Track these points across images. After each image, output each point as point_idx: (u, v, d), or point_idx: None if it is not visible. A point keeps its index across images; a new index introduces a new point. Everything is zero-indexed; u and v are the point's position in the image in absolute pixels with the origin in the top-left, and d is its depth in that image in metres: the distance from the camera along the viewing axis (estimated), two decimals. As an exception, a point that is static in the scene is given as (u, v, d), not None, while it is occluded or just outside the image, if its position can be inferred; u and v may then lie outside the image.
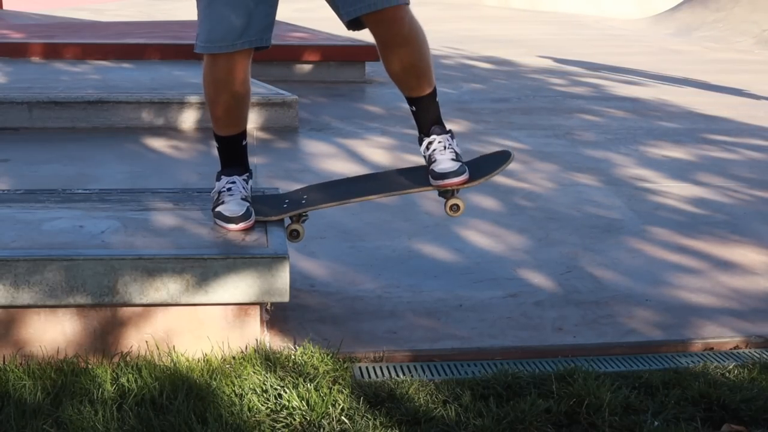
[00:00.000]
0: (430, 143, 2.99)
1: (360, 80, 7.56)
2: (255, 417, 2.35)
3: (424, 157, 3.03)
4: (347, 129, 5.76)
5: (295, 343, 2.80)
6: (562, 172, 4.80)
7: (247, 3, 2.79)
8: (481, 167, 3.02)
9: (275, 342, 2.81)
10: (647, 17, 15.05)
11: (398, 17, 2.83)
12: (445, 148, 2.97)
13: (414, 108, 3.01)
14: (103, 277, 2.61)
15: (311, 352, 2.67)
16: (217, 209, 2.92)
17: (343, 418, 2.35)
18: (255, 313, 2.73)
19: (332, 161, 4.96)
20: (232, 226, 2.87)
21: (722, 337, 2.94)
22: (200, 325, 2.70)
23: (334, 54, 7.60)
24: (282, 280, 2.67)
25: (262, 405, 2.40)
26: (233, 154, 3.01)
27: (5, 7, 12.84)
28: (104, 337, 2.68)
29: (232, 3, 2.78)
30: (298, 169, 4.77)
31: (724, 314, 3.10)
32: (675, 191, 4.49)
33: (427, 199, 4.27)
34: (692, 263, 3.55)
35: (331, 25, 11.70)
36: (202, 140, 5.35)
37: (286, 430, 2.32)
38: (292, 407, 2.38)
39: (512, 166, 4.84)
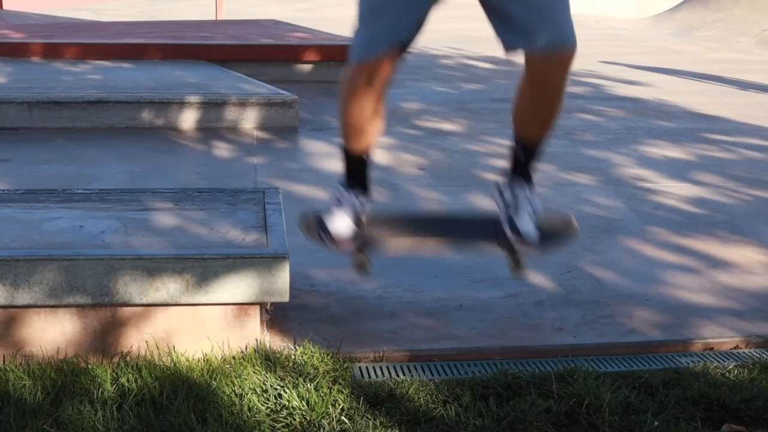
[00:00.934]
0: (519, 190, 2.73)
1: (360, 80, 7.55)
2: (255, 417, 2.35)
3: (502, 195, 2.78)
4: (347, 129, 5.75)
5: (295, 343, 2.80)
6: (562, 172, 4.80)
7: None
8: (546, 233, 2.74)
9: (275, 342, 2.81)
10: (647, 17, 15.05)
11: (565, 62, 2.64)
12: (530, 203, 2.72)
13: (520, 150, 2.76)
14: (103, 277, 2.61)
15: (311, 352, 2.67)
16: (323, 219, 2.73)
17: (343, 418, 2.35)
18: (255, 313, 2.73)
19: (332, 161, 4.95)
20: (331, 244, 2.70)
21: (722, 337, 2.94)
22: (200, 325, 2.70)
23: (334, 54, 7.59)
24: (282, 280, 2.67)
25: (262, 405, 2.40)
26: (359, 171, 2.79)
27: (5, 7, 12.84)
28: (104, 337, 2.68)
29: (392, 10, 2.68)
30: (298, 169, 4.77)
31: (723, 314, 3.10)
32: (675, 191, 4.49)
33: (427, 198, 4.27)
34: (692, 263, 3.55)
35: (331, 24, 11.72)
36: (202, 140, 5.35)
37: (286, 430, 2.32)
38: (292, 407, 2.38)
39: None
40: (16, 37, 7.96)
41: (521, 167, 2.73)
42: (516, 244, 2.66)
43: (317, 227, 2.71)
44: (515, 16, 2.56)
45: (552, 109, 2.69)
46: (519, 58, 2.63)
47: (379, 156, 5.07)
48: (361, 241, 2.73)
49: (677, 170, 4.89)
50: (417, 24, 2.67)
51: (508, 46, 2.63)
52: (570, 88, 7.97)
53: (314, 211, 2.83)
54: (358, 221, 2.73)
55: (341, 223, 2.69)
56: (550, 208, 3.00)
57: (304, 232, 2.78)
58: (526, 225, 2.66)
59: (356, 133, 2.77)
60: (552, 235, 2.74)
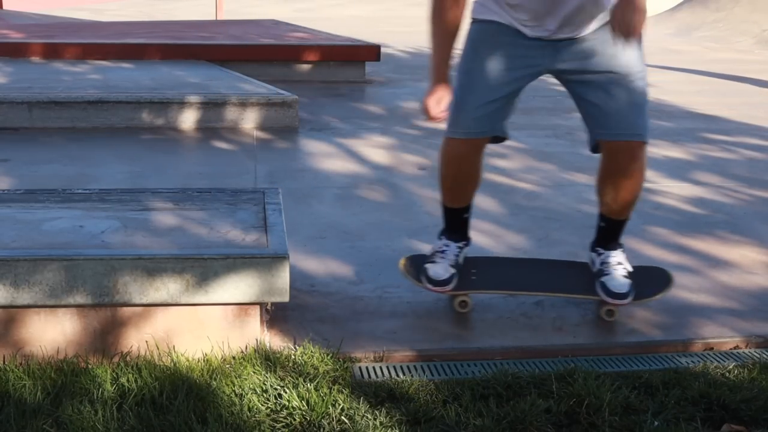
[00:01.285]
0: (607, 257, 3.10)
1: (360, 80, 7.57)
2: (255, 417, 2.35)
3: (593, 263, 3.15)
4: (347, 129, 5.76)
5: (295, 343, 2.80)
6: (563, 172, 4.80)
7: (492, 102, 3.01)
8: (643, 286, 3.08)
9: (275, 342, 2.81)
10: (647, 17, 15.03)
11: (636, 153, 2.93)
12: (619, 263, 3.08)
13: (605, 225, 3.13)
14: (103, 277, 2.61)
15: (311, 352, 2.68)
16: (426, 265, 3.09)
17: (343, 418, 2.35)
18: (255, 313, 2.73)
19: (332, 161, 4.96)
20: (429, 287, 3.05)
21: (722, 337, 2.94)
22: (200, 325, 2.70)
23: (334, 54, 7.61)
24: (282, 280, 2.67)
25: (262, 405, 2.40)
26: (455, 224, 3.15)
27: (5, 7, 12.85)
28: (104, 337, 2.68)
29: (480, 100, 3.00)
30: (298, 169, 4.77)
31: (724, 314, 3.10)
32: (674, 191, 4.49)
33: (427, 198, 4.28)
34: (692, 263, 3.55)
35: (331, 24, 11.72)
36: (202, 140, 5.35)
37: (286, 430, 2.32)
38: (292, 407, 2.38)
39: (513, 165, 4.89)
40: (16, 37, 7.96)
41: (605, 238, 3.12)
42: (612, 302, 3.01)
43: (416, 271, 3.10)
44: (600, 106, 2.95)
45: (626, 192, 3.03)
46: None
47: (379, 156, 5.09)
48: (460, 284, 3.06)
49: (677, 170, 4.89)
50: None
51: (593, 139, 3.03)
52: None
53: (417, 256, 3.22)
54: (457, 266, 3.10)
55: (441, 270, 3.05)
56: (647, 264, 3.32)
57: (404, 273, 3.15)
58: (617, 285, 3.02)
59: (457, 192, 3.11)
60: (648, 286, 3.09)
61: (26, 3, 13.41)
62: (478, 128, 2.95)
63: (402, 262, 3.20)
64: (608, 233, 3.12)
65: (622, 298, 3.01)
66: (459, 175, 3.04)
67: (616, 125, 2.89)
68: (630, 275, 3.06)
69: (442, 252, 3.12)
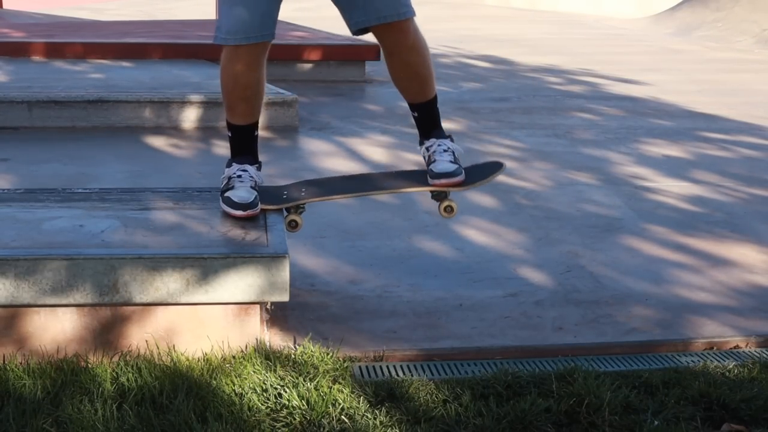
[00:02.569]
0: (430, 146, 3.13)
1: (360, 79, 7.56)
2: (255, 416, 2.35)
3: (424, 158, 3.17)
4: (347, 128, 5.76)
5: (295, 343, 2.80)
6: (562, 172, 4.80)
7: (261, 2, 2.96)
8: (474, 174, 3.14)
9: (275, 341, 2.81)
10: (647, 16, 15.05)
11: (404, 28, 2.99)
12: (444, 150, 3.10)
13: (416, 113, 3.17)
14: (103, 276, 2.61)
15: (311, 351, 2.67)
16: (226, 194, 3.01)
17: (343, 417, 2.35)
18: (255, 312, 2.73)
19: (332, 160, 4.96)
20: (239, 212, 2.96)
21: (722, 336, 2.94)
22: (200, 324, 2.70)
23: (334, 53, 7.60)
24: (282, 279, 2.67)
25: (262, 404, 2.40)
26: (246, 144, 3.10)
27: (5, 6, 12.85)
28: (104, 336, 2.68)
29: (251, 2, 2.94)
30: (298, 168, 4.77)
31: (724, 313, 3.10)
32: (674, 190, 4.49)
33: (428, 198, 4.27)
34: (692, 262, 3.55)
35: (331, 24, 11.70)
36: (203, 139, 5.35)
37: (286, 429, 2.32)
38: (292, 406, 2.38)
39: (512, 164, 4.89)
40: (16, 36, 7.96)
41: (424, 127, 3.15)
42: (435, 183, 3.05)
43: (223, 204, 3.00)
44: None
45: (417, 68, 3.05)
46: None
47: (379, 155, 5.09)
48: (294, 200, 3.04)
49: (677, 169, 4.89)
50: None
51: (354, 28, 3.01)
52: (570, 88, 8.03)
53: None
54: (254, 187, 3.03)
55: (245, 193, 2.98)
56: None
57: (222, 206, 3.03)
58: (443, 165, 3.06)
59: (244, 105, 3.07)
60: (479, 170, 3.14)
61: (26, 2, 13.40)
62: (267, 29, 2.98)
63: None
64: (425, 121, 3.15)
65: (448, 177, 3.01)
66: (246, 83, 3.03)
67: (383, 7, 2.94)
68: (457, 160, 3.09)
69: (240, 177, 3.02)
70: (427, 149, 3.14)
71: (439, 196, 3.13)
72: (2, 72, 6.43)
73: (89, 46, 7.29)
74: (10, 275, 2.59)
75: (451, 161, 3.07)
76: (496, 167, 3.20)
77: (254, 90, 3.07)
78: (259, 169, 3.12)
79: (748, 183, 4.63)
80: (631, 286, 3.29)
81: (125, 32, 8.29)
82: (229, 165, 3.10)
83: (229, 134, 3.14)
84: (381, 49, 3.09)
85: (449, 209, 3.08)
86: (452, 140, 3.16)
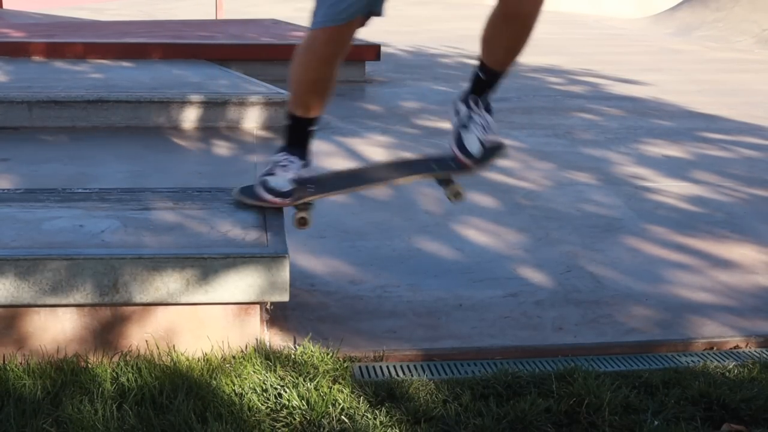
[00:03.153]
0: (475, 111, 2.98)
1: (360, 79, 7.56)
2: (255, 416, 2.35)
3: (458, 113, 3.01)
4: (347, 128, 5.76)
5: (295, 343, 2.80)
6: (562, 172, 4.80)
7: None
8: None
9: (275, 341, 2.81)
10: (647, 17, 15.05)
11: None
12: (482, 125, 2.96)
13: (486, 78, 2.97)
14: (103, 276, 2.61)
15: (311, 351, 2.68)
16: (265, 177, 2.99)
17: (342, 417, 2.35)
18: (255, 312, 2.73)
19: (332, 160, 4.95)
20: (269, 197, 2.97)
21: (722, 336, 2.94)
22: (200, 325, 2.70)
23: (334, 53, 7.59)
24: (282, 279, 2.67)
25: (262, 404, 2.40)
26: (303, 137, 3.02)
27: (5, 6, 12.85)
28: (104, 336, 2.68)
29: None
30: (298, 169, 4.76)
31: (724, 313, 3.10)
32: (675, 190, 4.49)
33: (427, 197, 4.27)
34: (692, 262, 3.55)
35: (331, 24, 11.47)
36: (203, 139, 5.35)
37: (286, 429, 2.32)
38: (292, 406, 2.38)
39: (512, 164, 4.88)
40: (16, 36, 7.96)
41: (481, 89, 2.96)
42: (458, 158, 2.92)
43: (251, 191, 2.99)
44: None
45: (522, 40, 2.84)
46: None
47: (379, 155, 5.09)
48: (301, 198, 2.99)
49: (677, 169, 4.89)
50: None
51: None
52: (570, 88, 8.02)
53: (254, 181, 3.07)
54: (297, 182, 2.98)
55: (282, 182, 2.95)
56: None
57: (239, 198, 3.04)
58: (473, 143, 2.92)
59: (317, 99, 2.94)
60: (487, 154, 3.00)
61: (26, 2, 13.40)
62: (358, 4, 2.78)
63: (236, 190, 3.10)
64: (487, 86, 2.97)
65: (469, 158, 2.92)
66: (330, 73, 2.89)
67: None
68: (486, 134, 2.97)
69: (284, 166, 2.97)
70: (468, 114, 2.98)
71: (446, 181, 3.02)
72: (2, 72, 6.43)
73: (89, 46, 7.29)
74: (10, 275, 2.59)
75: (481, 143, 2.94)
76: (497, 149, 3.10)
77: (335, 80, 2.94)
78: (305, 166, 3.04)
79: (748, 183, 4.63)
80: (631, 286, 3.29)
81: (125, 32, 8.28)
82: (279, 151, 3.04)
83: (290, 123, 3.02)
84: (497, 8, 2.83)
85: (458, 195, 2.99)
86: (492, 116, 3.00)
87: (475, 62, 2.92)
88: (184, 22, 9.97)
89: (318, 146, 5.25)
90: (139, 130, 5.49)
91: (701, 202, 4.31)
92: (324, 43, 2.86)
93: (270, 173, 3.01)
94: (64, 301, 2.62)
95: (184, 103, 5.59)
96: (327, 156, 5.05)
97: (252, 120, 5.67)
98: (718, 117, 6.34)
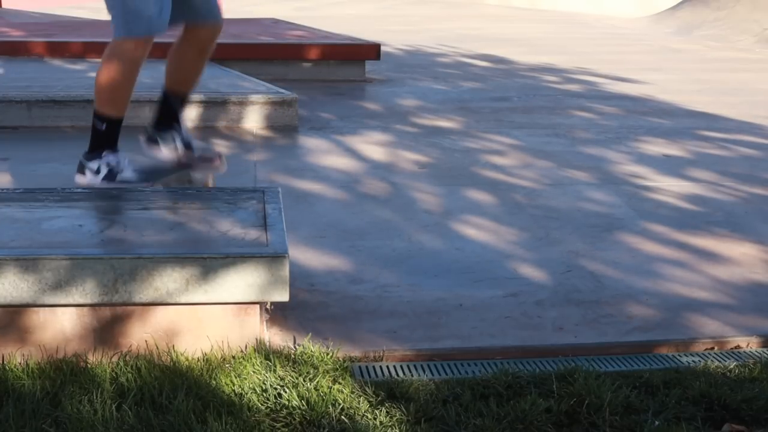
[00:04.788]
0: (177, 131, 3.70)
1: (360, 79, 7.56)
2: (255, 416, 2.34)
3: (176, 138, 3.69)
4: (347, 127, 5.76)
5: (294, 343, 2.80)
6: (562, 171, 4.80)
7: None
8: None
9: (275, 341, 2.80)
10: (648, 15, 15.05)
11: (218, 33, 3.60)
12: (183, 132, 3.73)
13: (177, 103, 3.68)
14: (103, 276, 2.60)
15: (311, 351, 2.67)
16: (120, 177, 3.40)
17: (342, 417, 2.34)
18: (255, 312, 2.72)
19: (332, 159, 4.95)
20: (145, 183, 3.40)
21: (723, 336, 2.94)
22: (200, 324, 2.70)
23: (333, 53, 7.60)
24: (282, 279, 2.66)
25: (261, 404, 2.39)
26: (116, 135, 3.50)
27: (5, 5, 12.85)
28: (104, 335, 2.68)
29: None
30: (297, 168, 4.76)
31: (724, 313, 3.09)
32: (675, 189, 4.49)
33: (427, 197, 4.27)
34: (692, 262, 3.55)
35: (331, 23, 11.69)
36: (202, 139, 5.32)
37: (286, 429, 2.31)
38: (292, 407, 2.38)
39: (512, 164, 4.88)
40: (15, 35, 7.95)
41: (175, 115, 3.66)
42: (191, 156, 3.62)
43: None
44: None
45: (203, 68, 3.69)
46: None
47: (379, 154, 5.08)
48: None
49: (678, 169, 4.89)
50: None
51: (174, 22, 3.44)
52: (570, 87, 8.05)
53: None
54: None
55: (131, 173, 3.43)
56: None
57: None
58: (189, 140, 3.66)
59: (125, 100, 3.50)
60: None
61: (25, 1, 13.39)
62: (165, 22, 3.37)
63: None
64: (180, 106, 3.69)
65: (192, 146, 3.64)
66: (134, 77, 3.41)
67: (209, 12, 3.53)
68: (188, 136, 3.68)
69: (119, 163, 3.44)
70: (182, 128, 3.68)
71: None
72: (1, 71, 6.43)
73: (89, 45, 7.28)
74: (9, 275, 2.58)
75: (189, 141, 3.72)
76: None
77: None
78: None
79: (748, 182, 4.63)
80: (632, 286, 3.29)
81: (125, 31, 8.26)
82: (99, 156, 3.43)
83: (104, 127, 3.48)
84: (191, 41, 3.57)
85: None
86: None
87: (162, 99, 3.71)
88: (183, 22, 9.94)
89: (318, 145, 5.27)
90: (138, 130, 5.46)
91: (702, 202, 4.31)
92: (139, 49, 3.39)
93: (120, 170, 3.42)
94: (63, 301, 2.62)
95: (183, 102, 5.58)
96: (326, 155, 5.05)
97: (251, 119, 5.67)
98: (719, 116, 6.34)
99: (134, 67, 3.37)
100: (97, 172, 3.39)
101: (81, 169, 3.44)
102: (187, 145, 3.63)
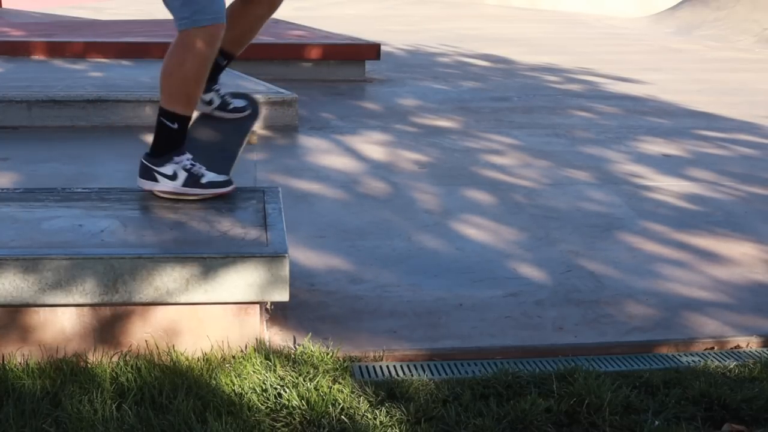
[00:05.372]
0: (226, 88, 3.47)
1: (359, 78, 7.56)
2: (255, 416, 2.34)
3: (214, 100, 3.42)
4: (347, 127, 5.76)
5: (294, 342, 2.80)
6: (562, 171, 4.80)
7: None
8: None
9: (275, 341, 2.80)
10: (648, 15, 15.05)
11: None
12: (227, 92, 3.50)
13: (227, 62, 3.38)
14: (103, 276, 2.61)
15: (311, 351, 2.67)
16: (205, 180, 3.11)
17: (342, 417, 2.34)
18: (255, 311, 2.72)
19: (332, 159, 4.95)
20: (232, 188, 3.16)
21: (723, 336, 2.94)
22: (200, 324, 2.70)
23: (334, 52, 7.60)
24: (282, 278, 2.66)
25: (261, 404, 2.39)
26: (186, 134, 3.15)
27: (5, 5, 12.85)
28: (103, 336, 2.68)
29: None
30: (297, 168, 4.77)
31: (724, 313, 3.09)
32: (675, 189, 4.49)
33: (427, 197, 4.27)
34: (692, 261, 3.55)
35: (331, 23, 11.68)
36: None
37: (286, 429, 2.31)
38: (292, 406, 2.38)
39: (512, 164, 4.88)
40: (15, 35, 7.95)
41: (219, 73, 3.38)
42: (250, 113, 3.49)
43: (207, 189, 3.13)
44: None
45: (260, 30, 3.47)
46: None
47: (378, 153, 5.08)
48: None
49: (677, 168, 4.89)
50: None
51: None
52: (570, 87, 8.05)
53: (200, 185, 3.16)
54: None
55: (216, 175, 3.13)
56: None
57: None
58: (237, 102, 3.48)
59: (198, 96, 3.15)
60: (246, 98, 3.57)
61: (26, 1, 13.40)
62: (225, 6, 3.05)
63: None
64: (225, 66, 3.41)
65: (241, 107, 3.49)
66: (208, 71, 3.09)
67: None
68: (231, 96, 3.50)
69: (197, 165, 3.12)
70: (223, 92, 3.44)
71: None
72: (2, 71, 6.43)
73: (89, 45, 7.28)
74: (9, 275, 2.58)
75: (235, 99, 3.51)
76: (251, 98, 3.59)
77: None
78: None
79: (748, 182, 4.63)
80: (632, 286, 3.29)
81: (125, 31, 8.28)
82: (170, 160, 3.09)
83: (175, 126, 3.08)
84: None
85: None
86: None
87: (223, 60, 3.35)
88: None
89: (317, 144, 5.27)
90: (138, 130, 5.47)
91: (701, 201, 4.31)
92: (210, 42, 3.04)
93: (200, 174, 3.11)
94: (63, 301, 2.62)
95: (183, 102, 5.58)
96: (326, 154, 5.05)
97: (252, 119, 5.66)
98: (719, 116, 6.34)
99: (211, 58, 3.04)
100: (174, 177, 3.09)
101: (149, 175, 3.12)
102: (223, 105, 3.43)
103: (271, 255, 2.66)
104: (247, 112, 3.48)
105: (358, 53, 7.69)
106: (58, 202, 3.12)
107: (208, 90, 3.32)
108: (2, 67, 6.58)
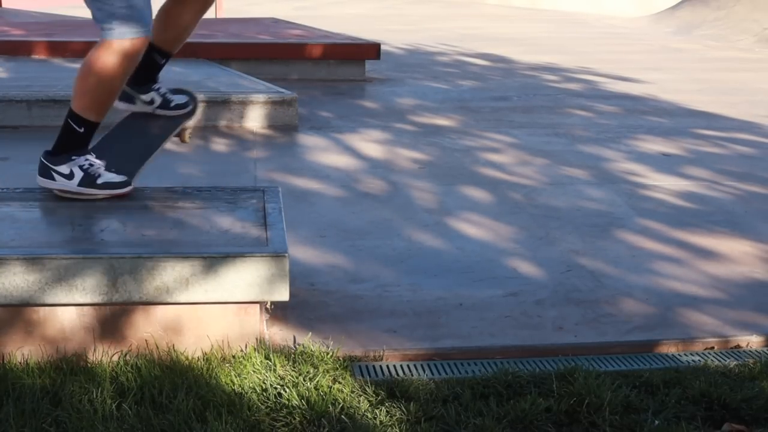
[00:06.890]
0: (161, 88, 3.39)
1: (359, 78, 7.56)
2: (255, 416, 2.34)
3: (154, 99, 3.37)
4: (347, 126, 5.76)
5: (294, 342, 2.80)
6: (562, 170, 4.80)
7: None
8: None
9: (275, 340, 2.80)
10: (648, 15, 15.05)
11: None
12: (165, 89, 3.43)
13: (165, 61, 3.33)
14: (103, 275, 2.61)
15: (311, 350, 2.67)
16: (101, 180, 3.11)
17: (342, 417, 2.34)
18: (255, 311, 2.72)
19: (332, 159, 4.95)
20: (127, 189, 3.13)
21: (723, 335, 2.94)
22: (200, 324, 2.70)
23: (333, 52, 7.60)
24: (282, 278, 2.66)
25: (261, 404, 2.39)
26: (91, 137, 3.19)
27: (5, 5, 12.84)
28: (103, 335, 2.68)
29: None
30: (297, 167, 4.77)
31: (724, 312, 3.09)
32: (675, 188, 4.49)
33: (427, 196, 4.27)
34: (692, 261, 3.55)
35: (331, 22, 11.69)
36: (202, 138, 5.34)
37: (286, 429, 2.31)
38: (292, 406, 2.38)
39: (512, 163, 4.88)
40: (15, 34, 7.95)
41: (157, 72, 3.35)
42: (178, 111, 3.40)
43: (103, 190, 3.12)
44: None
45: (195, 28, 3.33)
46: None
47: (378, 152, 5.08)
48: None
49: (677, 168, 4.89)
50: None
51: None
52: (569, 86, 8.05)
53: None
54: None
55: (116, 176, 3.12)
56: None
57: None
58: (178, 98, 3.41)
59: (110, 106, 3.16)
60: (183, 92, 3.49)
61: (26, 1, 13.39)
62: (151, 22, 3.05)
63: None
64: (163, 64, 3.35)
65: (180, 103, 3.41)
66: (124, 81, 3.10)
67: None
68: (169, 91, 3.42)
69: (92, 165, 3.12)
70: (162, 89, 3.37)
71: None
72: (2, 70, 6.43)
73: (89, 45, 7.24)
74: (9, 274, 2.58)
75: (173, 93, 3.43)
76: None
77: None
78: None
79: (748, 181, 4.63)
80: (632, 285, 3.29)
81: (125, 31, 8.26)
82: (68, 159, 3.13)
83: (81, 130, 3.14)
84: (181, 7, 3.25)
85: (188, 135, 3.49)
86: None
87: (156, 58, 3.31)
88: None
89: (317, 144, 5.27)
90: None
91: (701, 201, 4.31)
92: (134, 54, 3.05)
93: (96, 175, 3.10)
94: (63, 300, 2.62)
95: (183, 101, 5.58)
96: (326, 154, 5.05)
97: (251, 118, 5.67)
98: (718, 115, 6.34)
99: (129, 72, 3.06)
100: (70, 176, 3.10)
101: (47, 174, 3.13)
102: (165, 103, 3.39)
103: (271, 254, 2.66)
104: (189, 108, 3.44)
105: (358, 53, 7.70)
106: (57, 202, 3.12)
107: (148, 90, 3.34)
108: (2, 67, 6.58)
